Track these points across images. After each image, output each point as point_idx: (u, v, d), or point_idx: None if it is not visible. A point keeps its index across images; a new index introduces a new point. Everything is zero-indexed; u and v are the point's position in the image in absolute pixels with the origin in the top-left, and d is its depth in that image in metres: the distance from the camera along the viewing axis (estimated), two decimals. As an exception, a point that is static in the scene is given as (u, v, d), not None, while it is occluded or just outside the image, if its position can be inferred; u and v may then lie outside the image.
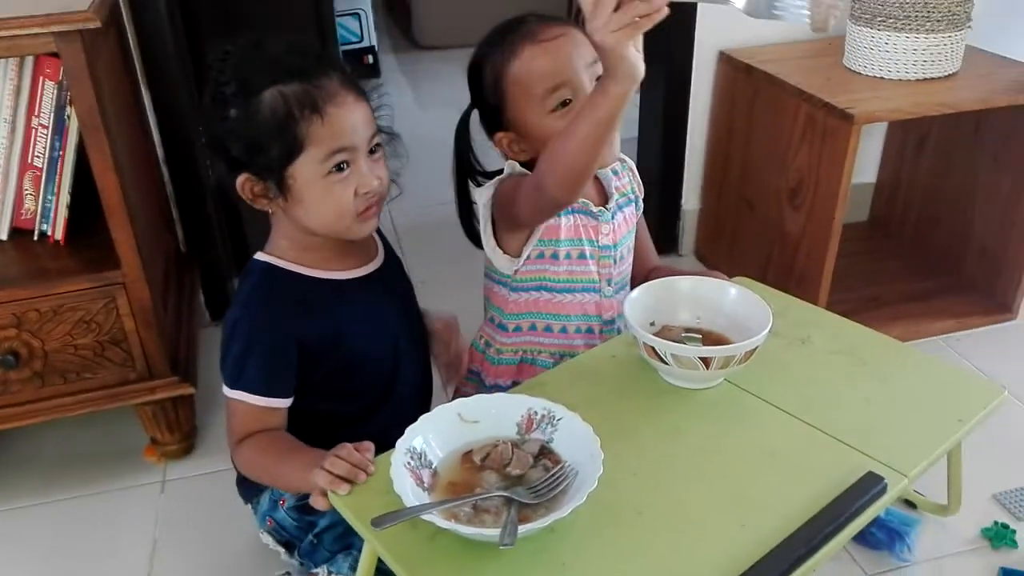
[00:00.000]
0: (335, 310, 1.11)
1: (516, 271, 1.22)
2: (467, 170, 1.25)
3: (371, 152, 1.06)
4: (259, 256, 1.12)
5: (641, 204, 1.34)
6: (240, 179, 1.04)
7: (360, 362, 1.15)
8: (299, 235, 1.09)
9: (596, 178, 1.25)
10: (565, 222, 1.21)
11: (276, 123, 0.99)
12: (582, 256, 1.22)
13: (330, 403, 1.15)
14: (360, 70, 3.69)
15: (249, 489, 1.22)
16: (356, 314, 1.13)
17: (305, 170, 1.01)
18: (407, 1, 4.31)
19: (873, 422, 1.05)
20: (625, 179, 1.30)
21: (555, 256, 1.21)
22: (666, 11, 0.86)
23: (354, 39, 3.72)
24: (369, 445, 0.97)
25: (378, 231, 1.19)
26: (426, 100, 3.50)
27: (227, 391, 1.08)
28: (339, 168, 1.02)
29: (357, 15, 3.69)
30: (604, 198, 1.26)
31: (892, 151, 2.23)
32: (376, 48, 3.81)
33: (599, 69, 1.06)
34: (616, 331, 1.28)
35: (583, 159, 0.99)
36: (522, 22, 1.15)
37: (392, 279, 1.21)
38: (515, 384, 1.25)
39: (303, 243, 1.10)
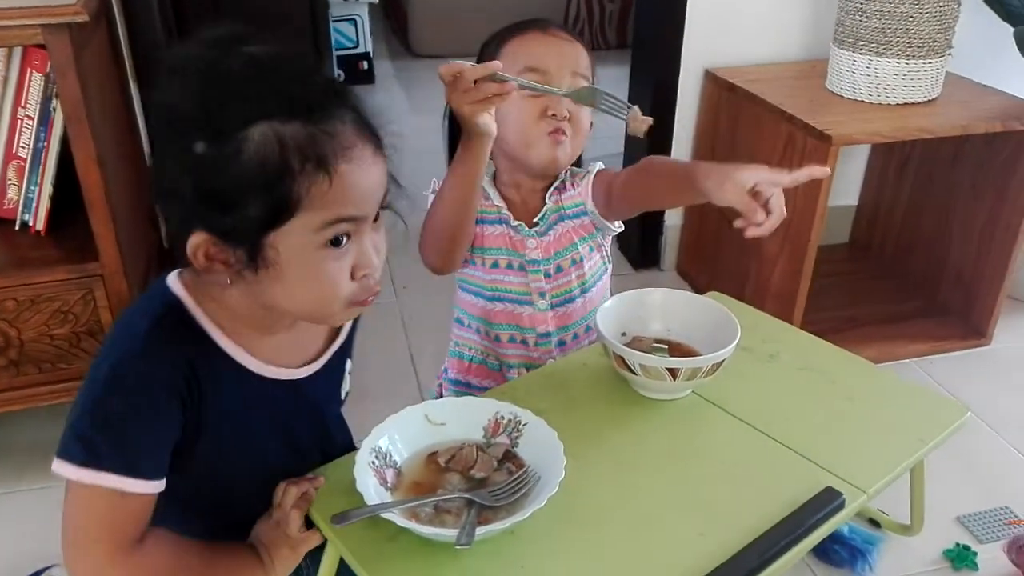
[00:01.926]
0: (233, 403, 0.85)
1: (458, 271, 1.25)
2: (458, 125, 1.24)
3: (374, 222, 0.81)
4: (174, 287, 0.82)
5: (596, 212, 1.26)
6: (194, 240, 0.74)
7: (232, 469, 0.89)
8: (246, 307, 0.82)
9: (529, 190, 1.23)
10: (491, 230, 1.22)
11: (263, 175, 0.71)
12: (510, 267, 1.23)
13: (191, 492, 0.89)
14: (355, 76, 3.71)
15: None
16: (260, 418, 0.89)
17: (292, 240, 0.74)
18: (404, 9, 4.34)
19: (835, 438, 1.06)
20: (579, 190, 1.24)
21: (483, 264, 1.23)
22: (515, 88, 0.97)
23: (350, 44, 3.74)
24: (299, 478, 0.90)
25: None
26: (420, 107, 3.53)
27: (74, 472, 0.76)
28: (335, 242, 0.76)
29: (353, 21, 3.71)
30: (540, 208, 1.24)
31: (874, 175, 2.26)
32: (371, 54, 3.83)
33: (581, 85, 1.15)
34: (557, 343, 1.27)
35: (450, 221, 1.09)
36: (548, 21, 1.20)
37: (327, 386, 0.97)
38: (466, 385, 1.28)
39: (245, 312, 0.82)
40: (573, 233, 1.24)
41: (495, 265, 1.23)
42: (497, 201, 1.23)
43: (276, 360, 0.87)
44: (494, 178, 1.25)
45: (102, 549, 0.78)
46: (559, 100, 1.14)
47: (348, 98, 0.77)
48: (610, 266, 1.32)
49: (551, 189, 1.23)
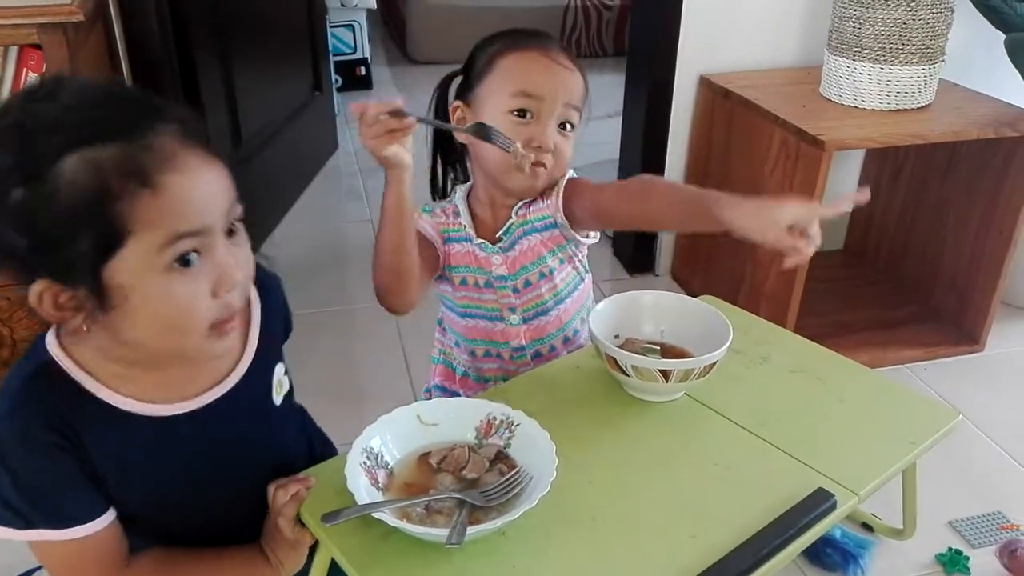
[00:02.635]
0: (137, 443, 0.82)
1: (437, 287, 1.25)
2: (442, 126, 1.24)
3: (229, 232, 0.76)
4: (47, 342, 0.79)
5: (563, 223, 1.20)
6: (35, 289, 0.71)
7: (173, 505, 0.88)
8: (115, 350, 0.77)
9: (492, 207, 1.21)
10: (457, 248, 1.22)
11: (83, 204, 0.67)
12: (477, 284, 1.22)
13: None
14: (352, 81, 3.72)
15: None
16: (171, 454, 0.85)
17: (133, 267, 0.70)
18: (402, 15, 4.35)
19: (827, 440, 1.06)
20: (547, 203, 1.19)
21: (452, 281, 1.23)
22: (414, 122, 0.99)
23: (348, 50, 3.76)
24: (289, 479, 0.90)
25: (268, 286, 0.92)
26: (417, 113, 3.53)
27: (18, 535, 0.78)
28: (184, 262, 0.72)
29: (351, 27, 3.73)
30: (498, 225, 1.22)
31: (868, 181, 2.27)
32: (369, 60, 3.84)
33: (573, 117, 1.15)
34: (533, 356, 1.26)
35: (389, 253, 1.07)
36: (549, 38, 1.18)
37: (247, 399, 0.89)
38: (442, 389, 1.29)
39: (121, 359, 0.78)
40: (541, 247, 1.20)
41: (464, 282, 1.23)
42: (465, 220, 1.22)
43: (173, 395, 0.83)
44: (468, 194, 1.24)
45: None
46: (546, 131, 1.13)
47: (167, 112, 0.73)
48: (588, 275, 1.28)
49: (520, 204, 1.20)
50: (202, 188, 0.72)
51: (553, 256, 1.21)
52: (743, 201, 0.99)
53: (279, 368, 0.95)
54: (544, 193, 1.19)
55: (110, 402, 0.79)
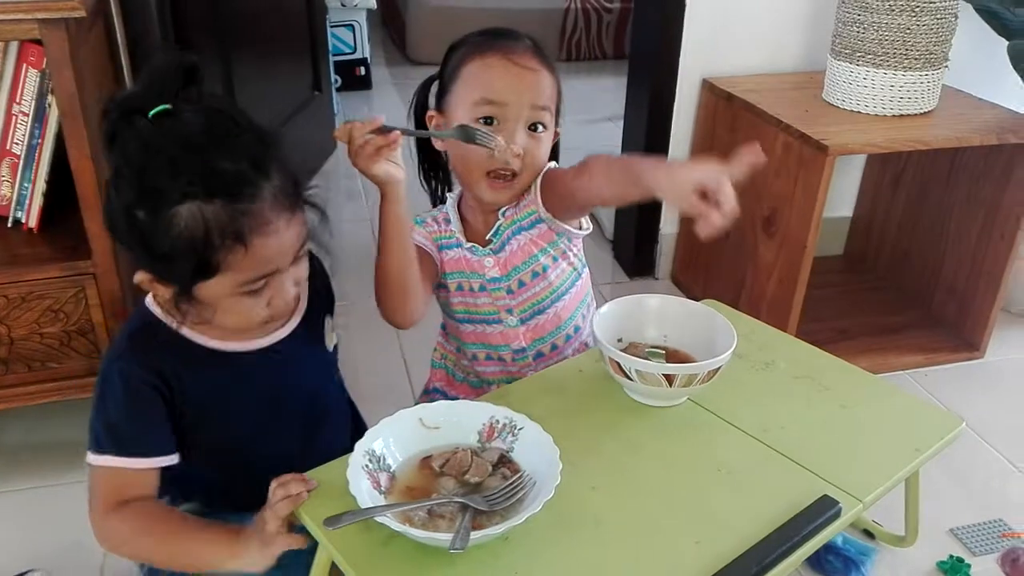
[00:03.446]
0: (212, 380, 0.99)
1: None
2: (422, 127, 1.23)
3: (296, 261, 0.94)
4: (148, 302, 0.98)
5: (548, 215, 1.20)
6: (138, 275, 0.91)
7: (239, 444, 1.03)
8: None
9: (481, 211, 1.21)
10: (450, 255, 1.21)
11: (192, 245, 0.84)
12: (472, 289, 1.22)
13: (209, 472, 1.05)
14: (352, 81, 3.71)
15: None
16: (245, 391, 1.02)
17: (216, 291, 0.89)
18: (401, 16, 4.35)
19: (831, 447, 1.06)
20: (530, 198, 1.19)
21: (448, 287, 1.22)
22: (399, 136, 1.00)
23: (347, 50, 3.75)
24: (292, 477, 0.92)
25: (315, 268, 1.04)
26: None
27: (91, 458, 0.95)
28: (253, 291, 0.91)
29: (351, 27, 3.71)
30: (489, 229, 1.21)
31: (869, 187, 2.26)
32: (369, 60, 3.83)
33: (544, 118, 1.13)
34: (535, 356, 1.25)
35: (390, 274, 1.09)
36: (515, 38, 1.16)
37: (305, 344, 1.06)
38: (443, 393, 1.28)
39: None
40: (532, 245, 1.19)
41: (459, 288, 1.23)
42: (455, 226, 1.21)
43: (243, 338, 1.00)
44: (458, 200, 1.24)
45: (97, 509, 0.94)
46: (513, 136, 1.11)
47: (268, 168, 0.87)
48: (585, 270, 1.27)
49: (505, 206, 1.19)
50: (282, 244, 0.89)
51: (545, 254, 1.20)
52: (662, 165, 0.99)
53: (328, 321, 1.10)
54: (526, 191, 1.19)
55: (198, 341, 0.97)
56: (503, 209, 1.19)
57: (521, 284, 1.21)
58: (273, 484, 0.91)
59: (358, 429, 1.17)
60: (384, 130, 0.98)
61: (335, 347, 1.13)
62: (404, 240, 1.07)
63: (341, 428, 1.16)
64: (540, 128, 1.14)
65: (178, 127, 0.84)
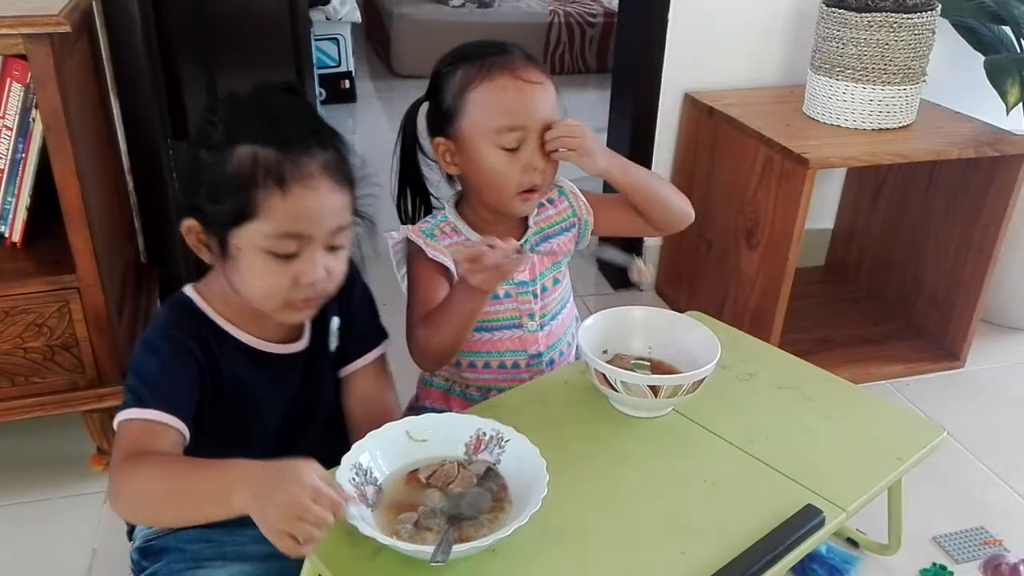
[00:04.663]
0: (238, 370, 1.03)
1: None
2: (409, 157, 1.25)
3: (332, 248, 0.97)
4: (187, 290, 1.05)
5: (590, 222, 1.31)
6: (187, 223, 0.97)
7: (246, 441, 1.06)
8: (231, 292, 1.00)
9: (502, 221, 1.23)
10: None
11: (237, 181, 0.92)
12: (496, 296, 1.22)
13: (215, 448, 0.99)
14: (336, 94, 3.71)
15: None
16: (257, 382, 1.05)
17: (249, 239, 0.93)
18: (386, 30, 4.36)
19: (814, 456, 1.07)
20: (564, 204, 1.30)
21: None
22: (532, 259, 1.14)
23: (332, 63, 3.75)
24: (321, 471, 0.80)
25: (321, 316, 1.08)
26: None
27: (119, 417, 0.95)
28: (282, 256, 0.94)
29: (336, 40, 3.72)
30: (520, 233, 1.25)
31: (849, 199, 2.29)
32: (353, 73, 3.84)
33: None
34: (547, 362, 1.27)
35: (450, 345, 1.14)
36: (506, 51, 1.16)
37: (310, 371, 1.10)
38: (427, 410, 1.28)
39: (232, 299, 1.02)
40: (561, 247, 1.27)
41: None
42: (472, 235, 1.22)
43: (268, 338, 1.05)
44: (456, 207, 1.24)
45: (116, 462, 0.93)
46: (536, 153, 1.14)
47: (328, 142, 0.96)
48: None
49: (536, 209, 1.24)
50: (318, 204, 0.93)
51: (561, 262, 1.28)
52: None
53: (335, 321, 1.12)
54: (554, 200, 1.29)
55: (232, 334, 1.03)
56: (532, 216, 1.25)
57: (544, 289, 1.25)
58: (299, 506, 0.76)
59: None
60: (519, 251, 1.03)
61: (334, 351, 1.14)
62: (474, 320, 1.13)
63: (336, 435, 1.16)
64: None
65: (262, 94, 0.99)
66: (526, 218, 1.26)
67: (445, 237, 1.22)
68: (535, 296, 1.25)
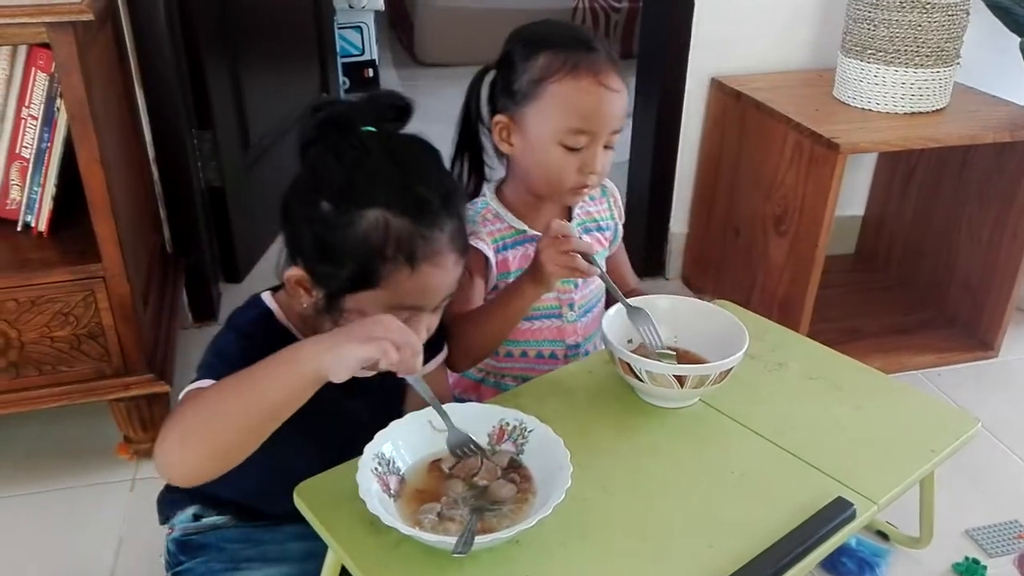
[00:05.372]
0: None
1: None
2: (470, 125, 1.22)
3: (435, 308, 0.96)
4: (265, 297, 1.02)
5: (620, 231, 1.35)
6: (294, 272, 0.92)
7: (296, 447, 0.92)
8: (314, 322, 0.97)
9: (543, 205, 1.23)
10: (513, 254, 1.22)
11: (364, 248, 0.87)
12: None
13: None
14: (360, 83, 3.71)
15: (172, 504, 1.11)
16: (328, 404, 0.90)
17: (364, 305, 0.90)
18: (409, 18, 4.35)
19: (845, 448, 1.05)
20: (604, 205, 1.32)
21: None
22: (596, 273, 1.07)
23: (355, 52, 3.74)
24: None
25: None
26: (424, 115, 3.49)
27: (188, 387, 0.91)
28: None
29: (359, 28, 3.71)
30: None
31: (880, 185, 2.24)
32: (377, 62, 3.83)
33: (616, 137, 1.14)
34: (584, 354, 1.27)
35: (491, 345, 1.15)
36: (593, 48, 1.13)
37: (382, 385, 1.00)
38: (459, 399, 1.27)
39: (309, 320, 0.98)
40: (597, 244, 1.28)
41: None
42: (514, 223, 1.22)
43: None
44: (499, 197, 1.24)
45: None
46: (596, 156, 1.14)
47: (454, 207, 0.93)
48: None
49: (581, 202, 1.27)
50: (442, 282, 0.92)
51: (599, 256, 1.27)
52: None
53: None
54: (596, 198, 1.31)
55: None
56: (575, 210, 1.27)
57: (584, 280, 1.25)
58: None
59: None
60: (587, 258, 1.04)
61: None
62: (518, 320, 1.14)
63: None
64: (612, 143, 1.16)
65: (393, 145, 0.92)
66: (570, 208, 1.26)
67: (487, 224, 1.22)
68: (576, 285, 1.25)
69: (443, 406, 0.98)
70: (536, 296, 1.09)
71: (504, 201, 1.23)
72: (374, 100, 0.95)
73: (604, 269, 1.25)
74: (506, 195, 1.23)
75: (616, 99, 1.13)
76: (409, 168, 0.91)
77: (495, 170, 1.27)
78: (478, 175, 1.27)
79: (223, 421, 0.81)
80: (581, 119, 1.11)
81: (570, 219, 1.26)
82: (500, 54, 1.18)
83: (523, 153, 1.17)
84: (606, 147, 1.15)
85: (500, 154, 1.22)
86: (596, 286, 1.30)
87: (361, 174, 0.89)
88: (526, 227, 1.22)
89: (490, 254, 1.19)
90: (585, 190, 1.19)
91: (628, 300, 1.13)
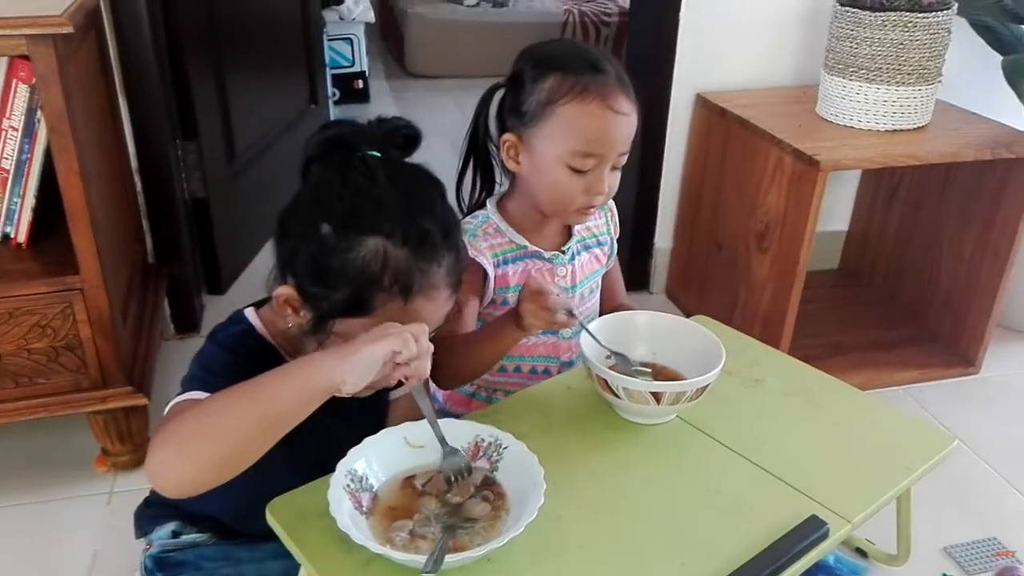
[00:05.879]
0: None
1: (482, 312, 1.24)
2: (479, 141, 1.22)
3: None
4: (248, 314, 1.00)
5: (615, 247, 1.35)
6: (284, 290, 0.91)
7: (276, 467, 0.89)
8: (297, 340, 0.96)
9: (546, 221, 1.24)
10: (513, 269, 1.22)
11: (360, 276, 0.87)
12: None
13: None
14: (350, 94, 3.71)
15: (151, 519, 1.10)
16: (311, 425, 0.88)
17: (352, 328, 0.89)
18: (400, 30, 4.36)
19: (821, 466, 1.05)
20: (602, 220, 1.32)
21: (505, 302, 1.22)
22: (575, 324, 1.07)
23: (346, 63, 3.75)
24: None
25: None
26: (421, 126, 3.53)
27: (174, 400, 0.90)
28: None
29: (350, 40, 3.72)
30: (565, 239, 1.27)
31: (864, 201, 2.26)
32: (367, 73, 3.84)
33: (623, 159, 1.15)
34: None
35: (478, 371, 1.16)
36: (602, 71, 1.12)
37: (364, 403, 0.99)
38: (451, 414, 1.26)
39: (294, 339, 0.97)
40: (595, 262, 1.30)
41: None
42: (515, 238, 1.22)
43: None
44: (501, 212, 1.23)
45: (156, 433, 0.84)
46: (602, 178, 1.14)
47: (454, 242, 0.93)
48: None
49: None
50: (432, 315, 0.92)
51: (597, 274, 1.31)
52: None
53: None
54: (597, 212, 1.27)
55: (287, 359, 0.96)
56: (575, 227, 1.27)
57: (582, 297, 1.27)
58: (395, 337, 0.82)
59: None
60: (569, 314, 1.04)
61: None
62: (504, 352, 1.13)
63: None
64: (620, 164, 1.17)
65: (399, 174, 0.91)
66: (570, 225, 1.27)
67: (488, 238, 1.22)
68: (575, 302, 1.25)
69: (418, 423, 0.97)
70: (518, 339, 1.09)
71: (506, 216, 1.23)
72: (383, 125, 0.95)
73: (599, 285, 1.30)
74: (509, 210, 1.23)
75: (624, 122, 1.13)
76: (414, 199, 0.91)
77: (500, 184, 1.27)
78: (488, 189, 1.27)
79: (226, 430, 0.80)
80: (588, 143, 1.11)
81: (571, 235, 1.26)
82: (510, 72, 1.18)
83: (530, 172, 1.17)
84: (613, 168, 1.16)
85: (506, 170, 1.22)
86: (592, 304, 1.31)
87: (366, 200, 0.88)
88: (527, 243, 1.22)
89: (489, 268, 1.19)
90: (591, 211, 1.19)
91: (605, 316, 1.14)
